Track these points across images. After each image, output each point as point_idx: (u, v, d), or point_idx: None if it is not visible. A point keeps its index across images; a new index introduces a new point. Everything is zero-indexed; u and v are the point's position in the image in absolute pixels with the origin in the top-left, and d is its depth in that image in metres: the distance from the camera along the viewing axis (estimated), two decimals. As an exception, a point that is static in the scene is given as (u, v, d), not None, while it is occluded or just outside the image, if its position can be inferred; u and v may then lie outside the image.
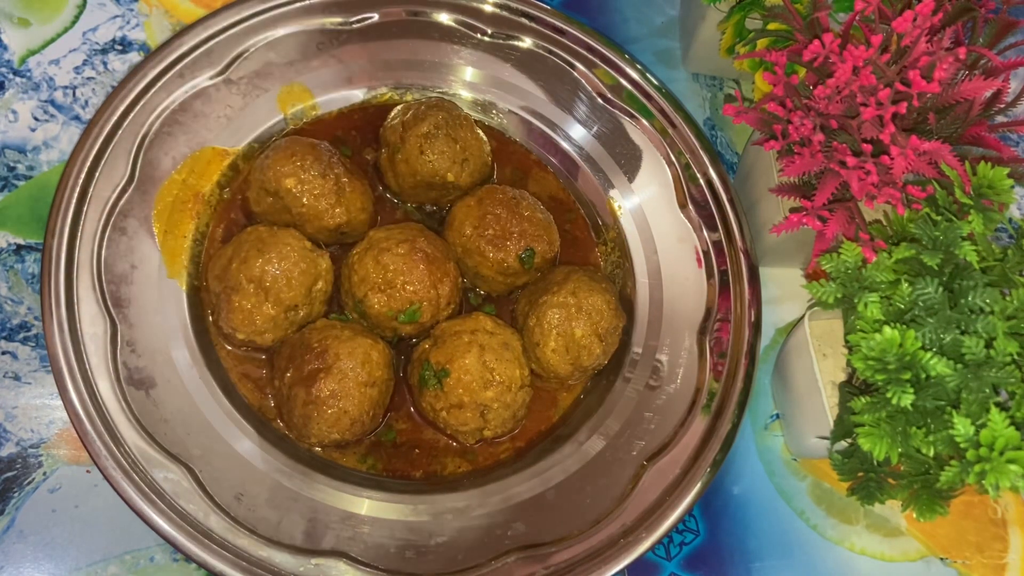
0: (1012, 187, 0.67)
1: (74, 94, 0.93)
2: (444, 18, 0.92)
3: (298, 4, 0.89)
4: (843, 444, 0.75)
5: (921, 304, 0.66)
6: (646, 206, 0.91)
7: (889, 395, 0.63)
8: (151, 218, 0.83)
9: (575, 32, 0.92)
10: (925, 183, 0.69)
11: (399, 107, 0.89)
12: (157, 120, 0.84)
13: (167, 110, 0.84)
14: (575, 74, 0.92)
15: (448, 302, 0.83)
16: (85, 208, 0.80)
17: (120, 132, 0.82)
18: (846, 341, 0.72)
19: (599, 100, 0.92)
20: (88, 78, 0.94)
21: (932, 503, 0.69)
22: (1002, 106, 0.72)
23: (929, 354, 0.63)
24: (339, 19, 0.91)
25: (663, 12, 1.06)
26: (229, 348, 0.82)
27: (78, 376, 0.75)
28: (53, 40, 0.95)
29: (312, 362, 0.77)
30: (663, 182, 0.90)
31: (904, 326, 0.64)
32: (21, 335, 0.84)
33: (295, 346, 0.79)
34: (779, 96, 0.72)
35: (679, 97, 0.92)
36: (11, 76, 0.93)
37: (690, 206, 0.89)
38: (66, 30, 0.95)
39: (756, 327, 0.84)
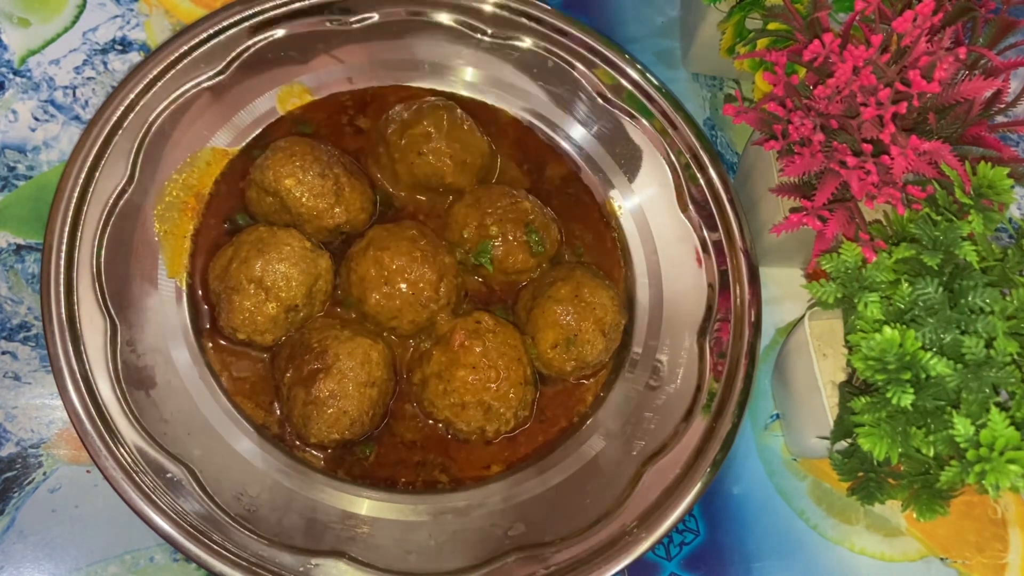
0: (1012, 187, 0.67)
1: (74, 94, 0.93)
2: (444, 18, 0.92)
3: (298, 4, 0.89)
4: (843, 444, 0.75)
5: (921, 304, 0.66)
6: (646, 206, 0.91)
7: (889, 395, 0.63)
8: (151, 218, 0.83)
9: (575, 32, 0.92)
10: (925, 183, 0.69)
11: (398, 107, 0.89)
12: (157, 120, 0.84)
13: (167, 110, 0.84)
14: (575, 74, 0.92)
15: (448, 301, 0.83)
16: (85, 208, 0.80)
17: (120, 132, 0.82)
18: (846, 341, 0.72)
19: (599, 100, 0.92)
20: (88, 78, 0.94)
21: (932, 503, 0.69)
22: (1002, 106, 0.72)
23: (929, 354, 0.63)
24: (339, 19, 0.90)
25: (663, 12, 1.06)
26: (226, 345, 0.82)
27: (78, 376, 0.74)
28: (53, 40, 0.95)
29: (312, 362, 0.77)
30: (663, 182, 0.90)
31: (904, 326, 0.64)
32: (21, 335, 0.84)
33: (295, 346, 0.79)
34: (779, 96, 0.72)
35: (679, 97, 0.91)
36: (11, 76, 0.93)
37: (690, 206, 0.89)
38: (66, 30, 0.95)
39: (756, 327, 0.84)
